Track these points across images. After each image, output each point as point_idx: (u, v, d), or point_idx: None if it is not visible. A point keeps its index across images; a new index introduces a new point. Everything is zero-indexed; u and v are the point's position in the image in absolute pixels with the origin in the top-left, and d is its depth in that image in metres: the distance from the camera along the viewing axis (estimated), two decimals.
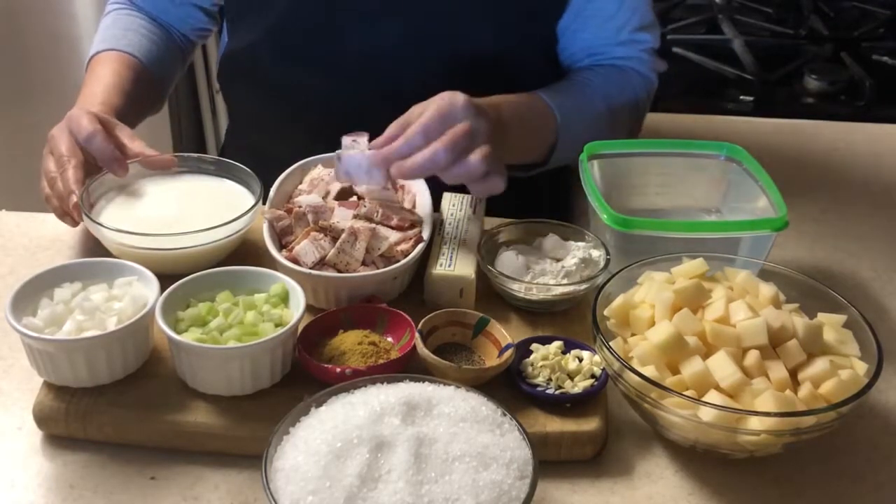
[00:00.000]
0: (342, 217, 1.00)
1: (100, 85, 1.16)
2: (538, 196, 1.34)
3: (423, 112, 0.97)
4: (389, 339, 0.91)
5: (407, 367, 0.86)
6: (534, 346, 0.91)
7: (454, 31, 1.18)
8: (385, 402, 0.76)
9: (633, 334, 0.88)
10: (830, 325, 0.87)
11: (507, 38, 1.20)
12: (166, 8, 1.31)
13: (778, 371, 0.82)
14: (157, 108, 1.33)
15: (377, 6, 1.17)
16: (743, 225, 1.03)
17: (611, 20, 1.23)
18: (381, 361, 0.86)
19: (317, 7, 1.18)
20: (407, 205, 1.06)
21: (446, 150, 0.93)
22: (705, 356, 0.82)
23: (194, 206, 1.06)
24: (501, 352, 0.90)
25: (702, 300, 0.87)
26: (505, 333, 0.91)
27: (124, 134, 1.07)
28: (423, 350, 0.87)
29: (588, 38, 1.24)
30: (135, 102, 1.18)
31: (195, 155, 1.13)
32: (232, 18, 1.25)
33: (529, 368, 0.89)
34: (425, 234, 1.00)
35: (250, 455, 0.81)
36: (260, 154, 1.20)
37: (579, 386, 0.87)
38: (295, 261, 0.95)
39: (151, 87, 1.26)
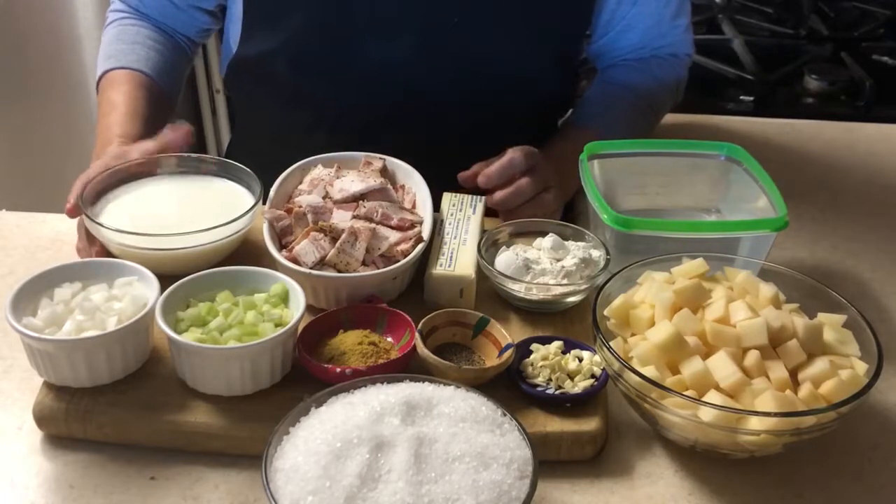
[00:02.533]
0: (342, 217, 1.00)
1: (116, 114, 1.17)
2: None
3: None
4: (389, 339, 0.91)
5: (407, 367, 0.86)
6: (534, 346, 0.91)
7: (468, 43, 1.19)
8: (385, 402, 0.76)
9: (633, 334, 0.88)
10: (830, 325, 0.87)
11: (521, 49, 1.21)
12: (171, 13, 1.31)
13: (778, 371, 0.82)
14: (170, 119, 1.34)
15: (393, 18, 1.17)
16: (743, 225, 1.03)
17: (651, 17, 1.28)
18: (381, 361, 0.86)
19: (335, 17, 1.18)
20: (407, 205, 1.06)
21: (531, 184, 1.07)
22: (705, 356, 0.82)
23: (194, 206, 1.06)
24: (501, 352, 0.90)
25: (702, 300, 0.87)
26: (505, 333, 0.91)
27: (147, 149, 1.09)
28: (423, 350, 0.87)
29: (634, 38, 1.29)
30: (151, 124, 1.19)
31: (195, 155, 1.13)
32: (250, 25, 1.24)
33: (529, 368, 0.89)
34: (425, 234, 1.00)
35: (250, 455, 0.81)
36: (266, 159, 1.20)
37: (579, 386, 0.87)
38: (295, 261, 0.95)
39: (163, 101, 1.26)
